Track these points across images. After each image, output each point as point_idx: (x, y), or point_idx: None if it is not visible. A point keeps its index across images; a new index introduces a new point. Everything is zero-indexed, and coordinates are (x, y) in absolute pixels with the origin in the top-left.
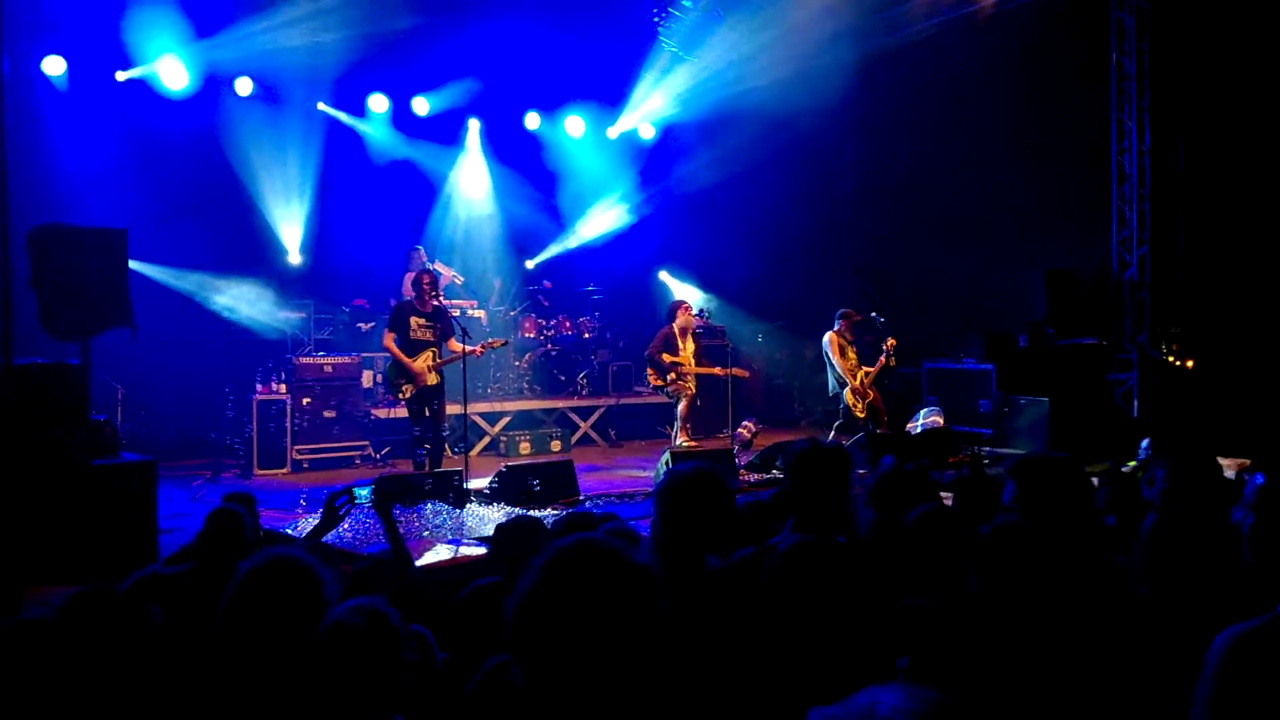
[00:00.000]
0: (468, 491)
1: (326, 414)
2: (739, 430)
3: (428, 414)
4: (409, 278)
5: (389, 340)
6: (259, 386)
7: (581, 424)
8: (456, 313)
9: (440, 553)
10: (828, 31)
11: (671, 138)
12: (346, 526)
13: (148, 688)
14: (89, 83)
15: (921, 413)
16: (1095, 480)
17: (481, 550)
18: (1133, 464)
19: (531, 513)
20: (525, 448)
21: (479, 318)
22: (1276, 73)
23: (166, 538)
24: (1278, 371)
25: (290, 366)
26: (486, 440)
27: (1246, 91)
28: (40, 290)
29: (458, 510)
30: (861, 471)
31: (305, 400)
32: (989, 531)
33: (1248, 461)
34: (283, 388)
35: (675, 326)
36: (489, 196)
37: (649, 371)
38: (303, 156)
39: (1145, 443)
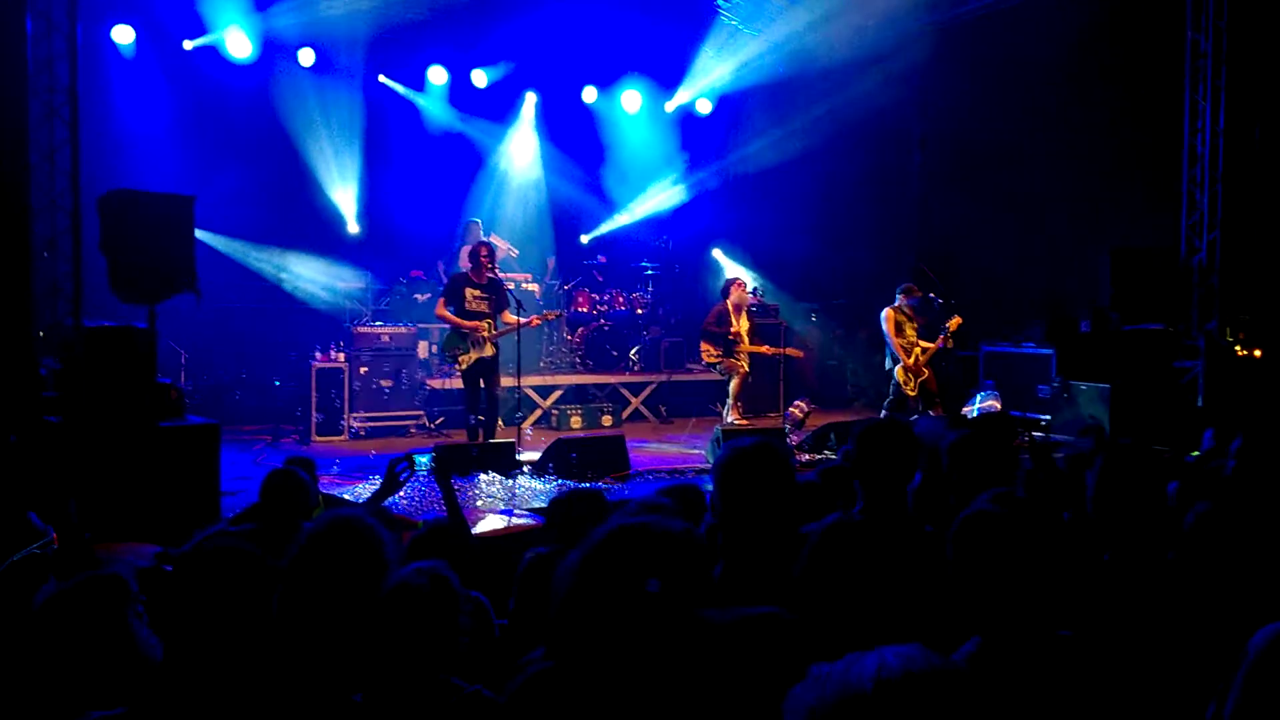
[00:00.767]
0: (520, 463)
1: (383, 383)
2: (791, 410)
3: (482, 385)
4: (466, 250)
5: (443, 309)
6: (318, 355)
7: (633, 399)
8: (511, 285)
9: (493, 522)
10: (893, 4)
11: (729, 113)
12: (404, 494)
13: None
14: (156, 51)
15: (978, 396)
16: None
17: (532, 521)
18: (1196, 454)
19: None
20: (576, 422)
21: (533, 291)
22: None
23: (229, 499)
24: None
25: (348, 336)
26: (538, 413)
27: None
28: (110, 254)
29: (510, 481)
30: None
31: (362, 369)
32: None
33: None
34: (341, 356)
35: (729, 303)
36: (544, 170)
37: (703, 346)
38: (362, 128)
39: (1209, 433)
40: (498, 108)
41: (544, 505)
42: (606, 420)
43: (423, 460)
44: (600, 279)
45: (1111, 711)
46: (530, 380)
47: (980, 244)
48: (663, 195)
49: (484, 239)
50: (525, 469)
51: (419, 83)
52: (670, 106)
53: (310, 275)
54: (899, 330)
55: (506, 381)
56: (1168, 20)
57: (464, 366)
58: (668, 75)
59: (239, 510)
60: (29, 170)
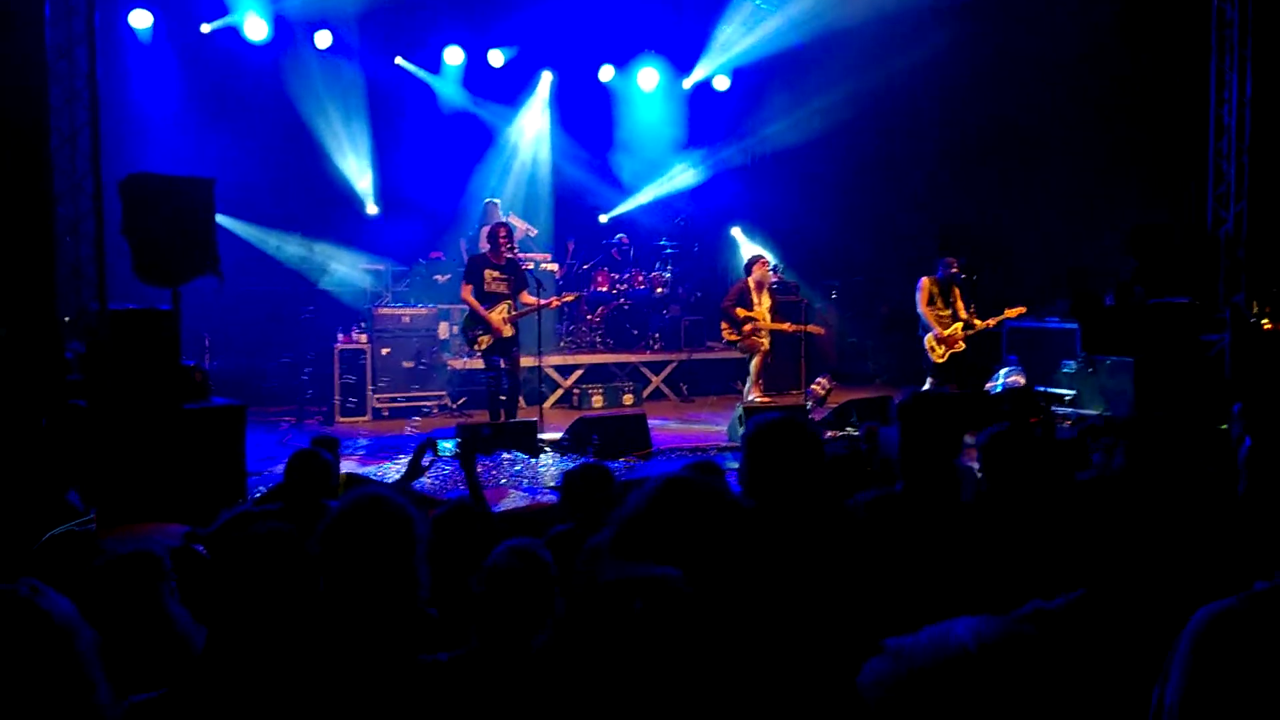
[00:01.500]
0: (542, 442)
1: (405, 364)
2: (812, 387)
3: (503, 365)
4: (485, 231)
5: (467, 293)
6: (340, 336)
7: (653, 378)
8: (530, 266)
9: (515, 500)
10: None
11: (747, 90)
12: (428, 475)
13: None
14: (173, 35)
15: (1002, 372)
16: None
17: (554, 499)
18: (1224, 428)
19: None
20: (598, 401)
21: (552, 271)
22: None
23: (254, 480)
24: None
25: (370, 317)
26: (560, 393)
27: None
28: (132, 238)
29: (532, 460)
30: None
31: (385, 350)
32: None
33: None
34: (363, 338)
35: (750, 281)
36: (562, 150)
37: (722, 325)
38: (379, 109)
39: (1237, 407)
40: (514, 88)
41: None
42: (628, 399)
43: (447, 445)
44: (619, 258)
45: None
46: (551, 360)
47: (1003, 219)
48: (681, 174)
49: (502, 219)
50: (547, 448)
51: (435, 63)
52: (688, 84)
53: (331, 257)
54: (930, 300)
55: (527, 361)
56: None
57: (483, 347)
58: (684, 53)
59: (266, 489)
60: (51, 155)
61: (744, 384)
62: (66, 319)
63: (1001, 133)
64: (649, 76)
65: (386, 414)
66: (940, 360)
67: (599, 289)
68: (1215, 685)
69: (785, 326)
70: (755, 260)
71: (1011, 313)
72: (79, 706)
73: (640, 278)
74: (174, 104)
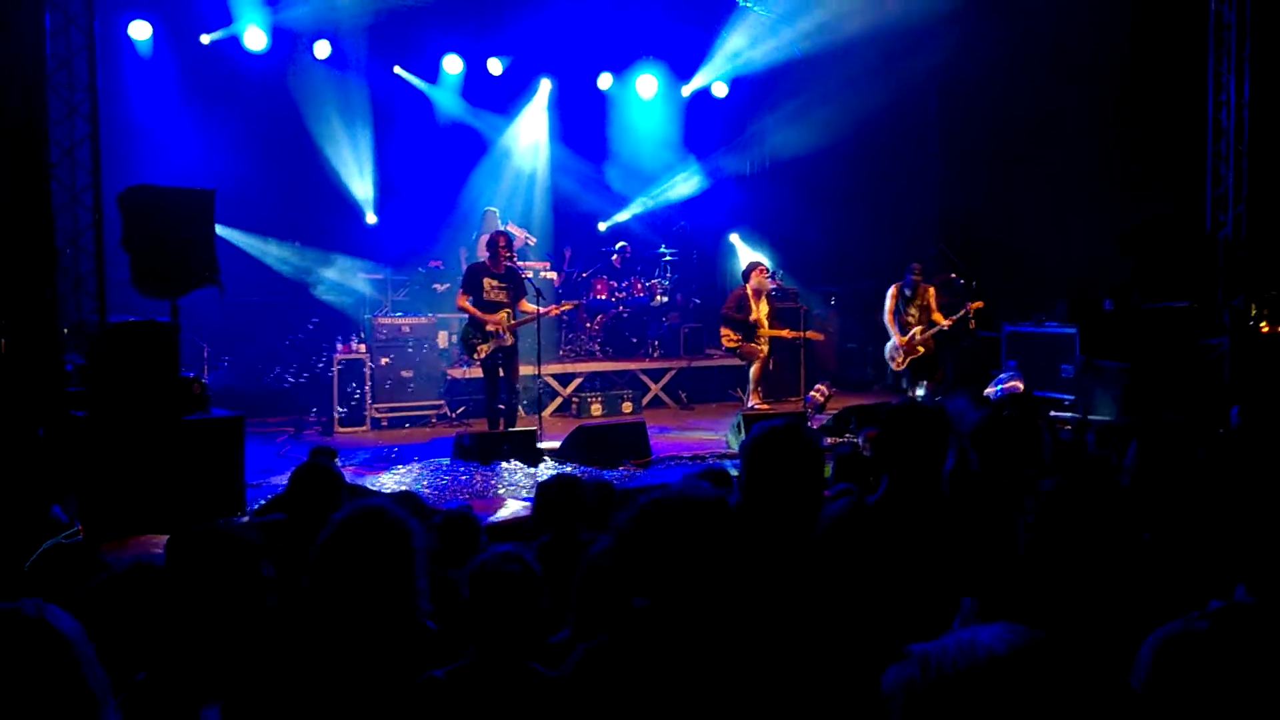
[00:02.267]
0: (541, 451)
1: (404, 373)
2: (812, 393)
3: (502, 374)
4: (484, 239)
5: (464, 301)
6: (339, 346)
7: (653, 386)
8: (529, 274)
9: (515, 509)
10: None
11: (746, 97)
12: (426, 484)
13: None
14: (173, 47)
15: (1001, 377)
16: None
17: None
18: (1223, 431)
19: (603, 473)
20: (597, 409)
21: (552, 279)
22: None
23: (252, 491)
24: None
25: (369, 327)
26: (559, 401)
27: None
28: (131, 250)
29: (532, 469)
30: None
31: (384, 360)
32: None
33: None
34: (362, 347)
35: (749, 288)
36: (560, 158)
37: (723, 331)
38: (377, 119)
39: (1235, 410)
40: (512, 96)
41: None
42: (627, 407)
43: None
44: (618, 266)
45: None
46: (550, 368)
47: (1003, 224)
48: (679, 181)
49: (501, 228)
50: (546, 457)
51: (434, 72)
52: (686, 91)
53: (330, 268)
54: (896, 309)
55: (526, 370)
56: None
57: (482, 356)
58: (683, 60)
59: (265, 500)
60: (50, 167)
61: (744, 391)
62: (66, 330)
63: (1005, 138)
64: (648, 84)
65: (385, 424)
66: (900, 368)
67: (598, 297)
68: (1177, 705)
69: (784, 333)
70: (753, 267)
71: (972, 306)
72: None
73: (639, 285)
74: (174, 115)
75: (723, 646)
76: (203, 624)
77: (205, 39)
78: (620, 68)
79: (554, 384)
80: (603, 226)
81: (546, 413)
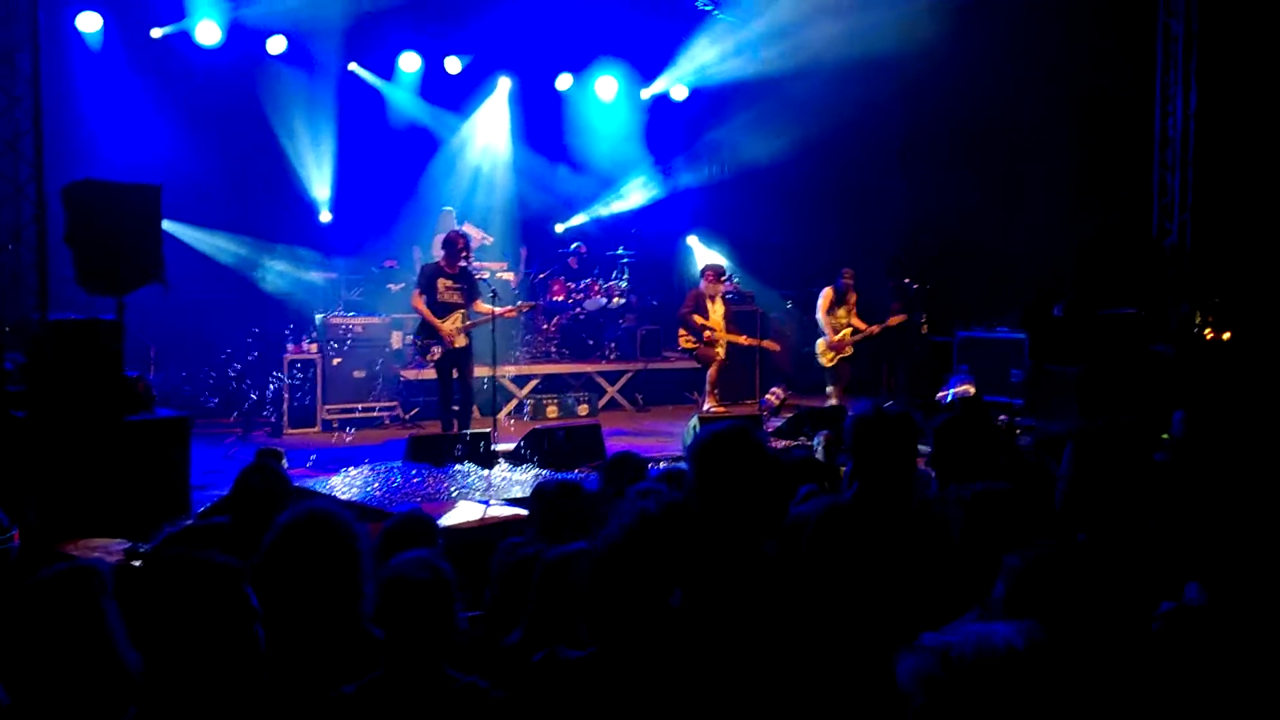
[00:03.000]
0: (496, 453)
1: (356, 374)
2: (767, 396)
3: (456, 376)
4: (439, 239)
5: (418, 301)
6: (289, 346)
7: (609, 388)
8: (486, 274)
9: (469, 512)
10: None
11: (706, 101)
12: (377, 486)
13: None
14: (124, 39)
15: (953, 380)
16: None
17: (509, 511)
18: (1167, 436)
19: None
20: (553, 411)
21: (508, 280)
22: None
23: (199, 494)
24: None
25: (321, 326)
26: (514, 403)
27: None
28: (75, 246)
29: (486, 471)
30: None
31: (335, 360)
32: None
33: None
34: (313, 347)
35: (704, 289)
36: (518, 158)
37: (680, 332)
38: (332, 116)
39: (1179, 415)
40: (470, 96)
41: (521, 495)
42: (583, 409)
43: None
44: (575, 267)
45: None
46: (506, 370)
47: (960, 231)
48: (638, 183)
49: (458, 228)
50: (501, 459)
51: (391, 70)
52: (646, 94)
53: (282, 265)
54: (830, 309)
55: (482, 371)
56: (1142, 4)
57: (435, 358)
58: (644, 62)
59: (210, 504)
60: None
61: (700, 393)
62: (7, 328)
63: (960, 145)
64: (608, 85)
65: (337, 425)
66: (830, 364)
67: (555, 298)
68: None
69: (741, 339)
70: (706, 269)
71: (893, 321)
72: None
73: (596, 287)
74: (124, 109)
75: (677, 651)
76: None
77: (156, 33)
78: (580, 68)
79: (510, 386)
80: (560, 228)
81: (502, 414)
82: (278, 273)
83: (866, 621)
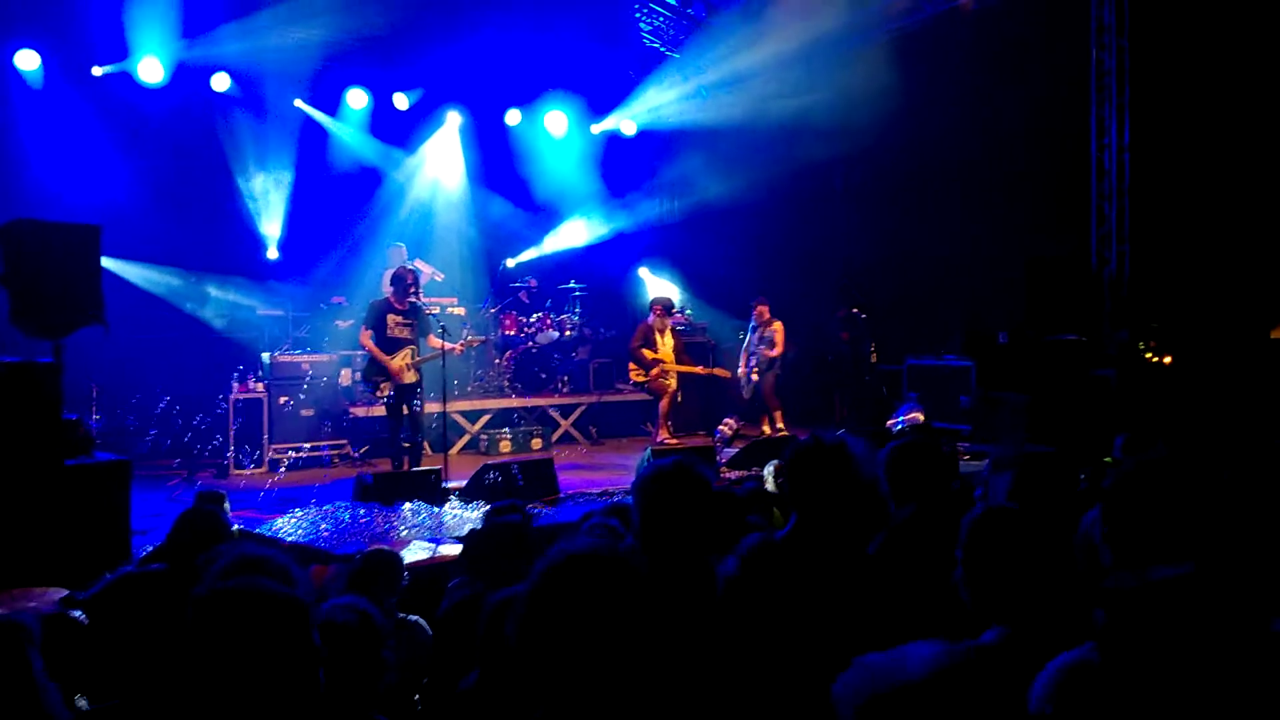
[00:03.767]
0: (447, 490)
1: (304, 412)
2: (720, 427)
3: (406, 412)
4: (388, 274)
5: (365, 338)
6: (235, 385)
7: (563, 422)
8: (436, 309)
9: (418, 551)
10: (810, 30)
11: (656, 138)
12: (325, 526)
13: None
14: (65, 77)
15: (902, 408)
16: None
17: (459, 550)
18: (1109, 460)
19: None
20: (505, 446)
21: (459, 315)
22: (1254, 71)
23: (141, 539)
24: (1254, 367)
25: (267, 365)
26: (466, 438)
27: (1225, 90)
28: (12, 287)
29: (436, 509)
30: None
31: (283, 399)
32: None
33: None
34: (260, 386)
35: (653, 322)
36: (468, 194)
37: (630, 366)
38: (280, 152)
39: (1120, 439)
40: (420, 131)
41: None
42: (536, 443)
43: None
44: (526, 301)
45: None
46: (458, 405)
47: (905, 260)
48: (589, 218)
49: (407, 264)
50: (452, 496)
51: (339, 106)
52: (596, 129)
53: (228, 303)
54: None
55: (433, 407)
56: (1074, 39)
57: (385, 394)
58: (594, 98)
59: (151, 549)
60: None
61: (653, 425)
62: None
63: (902, 176)
64: (557, 121)
65: (285, 465)
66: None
67: (506, 333)
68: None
69: (693, 369)
70: (654, 303)
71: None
72: None
73: (548, 321)
74: (66, 147)
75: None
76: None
77: (97, 71)
78: (529, 104)
79: (462, 421)
80: (511, 262)
81: (454, 450)
82: (224, 310)
83: (804, 653)
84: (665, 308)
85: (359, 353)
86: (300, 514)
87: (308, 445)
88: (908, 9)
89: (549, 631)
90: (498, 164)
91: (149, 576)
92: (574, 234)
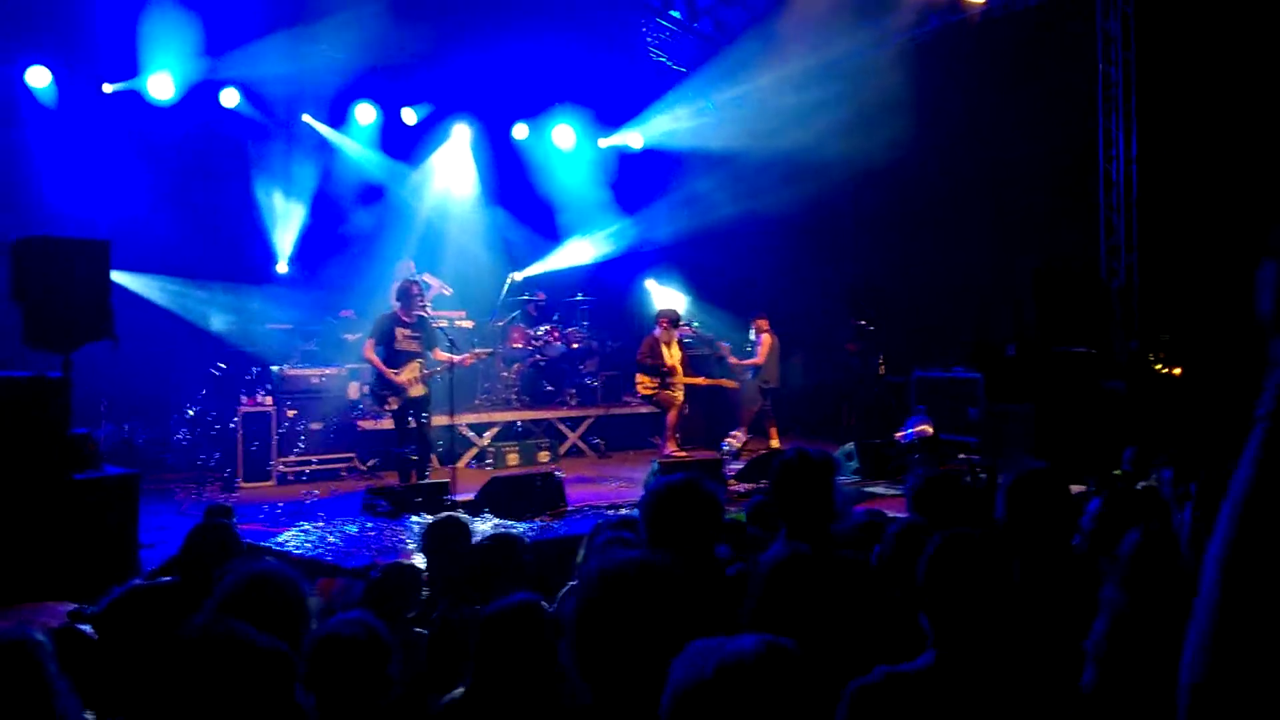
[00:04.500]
0: (455, 503)
1: (313, 425)
2: (727, 439)
3: (414, 425)
4: (395, 288)
5: (369, 350)
6: (244, 398)
7: (570, 435)
8: (444, 323)
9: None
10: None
11: (663, 151)
12: (333, 538)
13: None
14: (76, 93)
15: (911, 421)
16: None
17: None
18: (1118, 473)
19: (516, 525)
20: (513, 459)
21: (467, 328)
22: (1259, 82)
23: (149, 552)
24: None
25: (276, 378)
26: (474, 451)
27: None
28: (23, 303)
29: None
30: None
31: (291, 412)
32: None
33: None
34: (268, 399)
35: (660, 334)
36: (476, 207)
37: (638, 378)
38: (288, 167)
39: (1129, 452)
40: (428, 145)
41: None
42: (544, 456)
43: None
44: (534, 314)
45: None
46: (466, 418)
47: (913, 272)
48: (597, 233)
49: (415, 277)
50: (460, 509)
51: (345, 120)
52: (605, 143)
53: (238, 317)
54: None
55: (440, 420)
56: (1082, 51)
57: (393, 407)
58: (602, 112)
59: (158, 563)
60: None
61: (660, 439)
62: None
63: (913, 189)
64: (565, 134)
65: (293, 478)
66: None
67: (514, 345)
68: None
69: (699, 380)
70: (660, 315)
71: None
72: None
73: (556, 333)
74: (77, 162)
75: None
76: None
77: (108, 88)
78: (537, 117)
79: (469, 434)
80: (519, 276)
81: (461, 463)
82: (233, 326)
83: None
84: (672, 320)
85: (367, 366)
86: (308, 527)
87: (316, 458)
88: (914, 22)
89: (608, 637)
90: (506, 178)
91: (158, 590)
92: (582, 248)
